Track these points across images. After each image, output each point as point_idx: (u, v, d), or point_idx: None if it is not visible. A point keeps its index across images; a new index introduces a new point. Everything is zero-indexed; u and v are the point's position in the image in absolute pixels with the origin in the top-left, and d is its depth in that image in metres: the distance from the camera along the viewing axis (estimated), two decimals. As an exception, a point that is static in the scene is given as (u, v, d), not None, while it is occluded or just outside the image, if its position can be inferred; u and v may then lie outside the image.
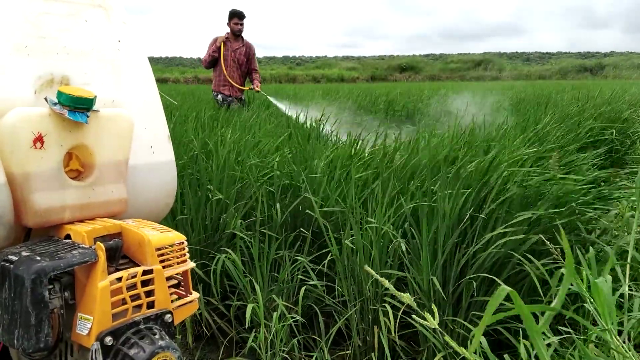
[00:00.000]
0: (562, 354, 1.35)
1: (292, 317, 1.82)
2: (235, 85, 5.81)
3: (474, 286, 1.71)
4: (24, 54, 0.93)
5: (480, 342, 1.32)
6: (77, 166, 0.98)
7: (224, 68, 5.74)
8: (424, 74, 38.43)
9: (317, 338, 1.89)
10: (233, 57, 5.79)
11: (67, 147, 0.94)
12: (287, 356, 1.82)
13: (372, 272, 0.92)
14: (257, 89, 5.89)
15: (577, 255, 1.61)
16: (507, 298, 0.79)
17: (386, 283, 0.86)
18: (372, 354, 1.76)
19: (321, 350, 1.83)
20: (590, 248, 1.54)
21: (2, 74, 0.90)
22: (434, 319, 0.77)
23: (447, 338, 0.76)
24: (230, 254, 1.99)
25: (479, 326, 0.71)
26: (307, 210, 2.18)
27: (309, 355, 1.83)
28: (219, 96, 5.88)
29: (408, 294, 0.83)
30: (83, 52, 1.01)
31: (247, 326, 1.76)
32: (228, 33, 5.82)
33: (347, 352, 1.85)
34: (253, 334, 1.77)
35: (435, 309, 0.79)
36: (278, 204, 2.17)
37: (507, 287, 0.72)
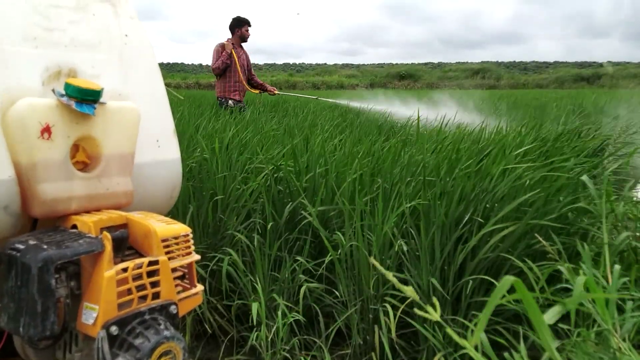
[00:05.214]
0: (559, 349, 1.35)
1: (292, 317, 1.82)
2: (252, 90, 6.01)
3: (472, 285, 1.71)
4: (32, 45, 0.94)
5: (482, 342, 1.32)
6: (83, 158, 0.98)
7: (240, 74, 5.79)
8: (422, 81, 38.59)
9: (317, 340, 1.88)
10: (240, 63, 5.84)
11: (74, 138, 0.95)
12: (287, 355, 1.82)
13: (378, 265, 0.92)
14: (276, 91, 6.30)
15: (576, 250, 1.60)
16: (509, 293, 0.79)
17: (390, 276, 0.86)
18: (373, 353, 1.76)
19: (321, 350, 1.83)
20: (585, 245, 1.54)
21: (11, 65, 0.91)
22: (436, 312, 0.77)
23: (449, 330, 0.77)
24: (231, 254, 1.99)
25: (482, 316, 0.71)
26: (305, 212, 2.18)
27: (310, 355, 1.83)
28: (230, 102, 5.89)
29: (411, 287, 0.83)
30: (91, 45, 1.02)
31: (249, 324, 1.75)
32: (230, 39, 5.83)
33: (347, 351, 1.85)
34: (254, 333, 1.77)
35: (437, 302, 0.79)
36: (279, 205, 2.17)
37: (512, 277, 0.72)
